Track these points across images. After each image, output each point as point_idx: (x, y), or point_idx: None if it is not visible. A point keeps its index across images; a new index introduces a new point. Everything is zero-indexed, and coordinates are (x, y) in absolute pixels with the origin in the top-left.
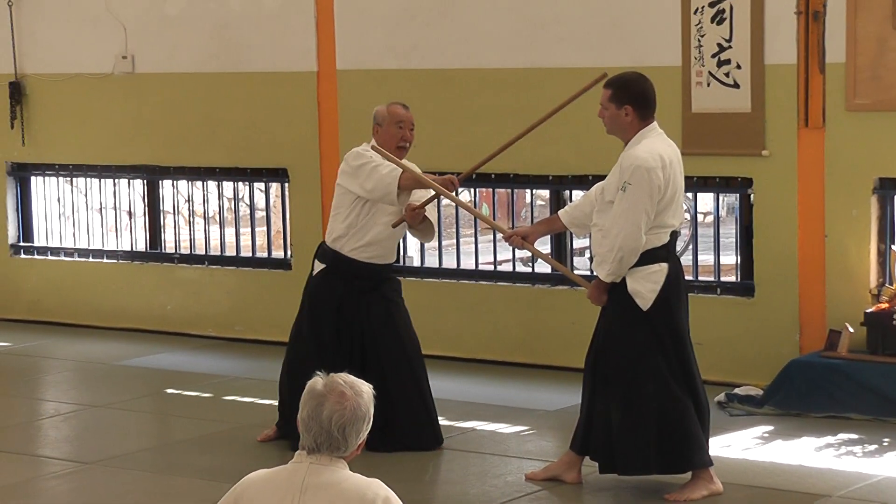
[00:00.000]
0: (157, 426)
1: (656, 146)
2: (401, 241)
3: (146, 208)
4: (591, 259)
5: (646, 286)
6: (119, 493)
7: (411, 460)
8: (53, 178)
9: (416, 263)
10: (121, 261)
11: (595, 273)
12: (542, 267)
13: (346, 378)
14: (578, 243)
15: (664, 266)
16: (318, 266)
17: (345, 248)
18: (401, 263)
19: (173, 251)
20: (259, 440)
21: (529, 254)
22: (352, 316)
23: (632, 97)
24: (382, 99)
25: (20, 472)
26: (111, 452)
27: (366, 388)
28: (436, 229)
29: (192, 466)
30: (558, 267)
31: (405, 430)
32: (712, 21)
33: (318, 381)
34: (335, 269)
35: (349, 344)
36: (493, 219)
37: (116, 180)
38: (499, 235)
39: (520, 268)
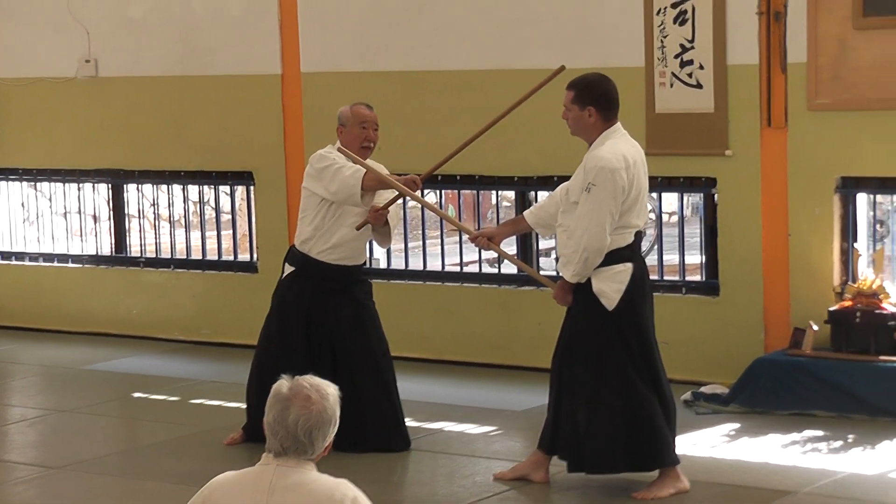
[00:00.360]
0: (124, 430)
1: (620, 147)
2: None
3: (111, 212)
4: (556, 260)
5: (611, 286)
6: (86, 498)
7: (380, 461)
8: (17, 183)
9: (383, 265)
10: (86, 265)
11: (560, 274)
12: (509, 268)
13: (311, 381)
14: (544, 244)
15: (629, 266)
16: (288, 269)
17: (313, 251)
18: (367, 265)
19: (139, 255)
20: (225, 444)
21: (496, 255)
22: (321, 319)
23: (595, 98)
24: (347, 101)
25: None
26: (78, 457)
27: (331, 391)
28: (392, 236)
29: (160, 470)
30: (524, 268)
31: (373, 433)
32: (675, 22)
33: (283, 384)
34: (304, 272)
35: (318, 347)
36: (459, 220)
37: (81, 184)
38: (465, 236)
39: (486, 269)
